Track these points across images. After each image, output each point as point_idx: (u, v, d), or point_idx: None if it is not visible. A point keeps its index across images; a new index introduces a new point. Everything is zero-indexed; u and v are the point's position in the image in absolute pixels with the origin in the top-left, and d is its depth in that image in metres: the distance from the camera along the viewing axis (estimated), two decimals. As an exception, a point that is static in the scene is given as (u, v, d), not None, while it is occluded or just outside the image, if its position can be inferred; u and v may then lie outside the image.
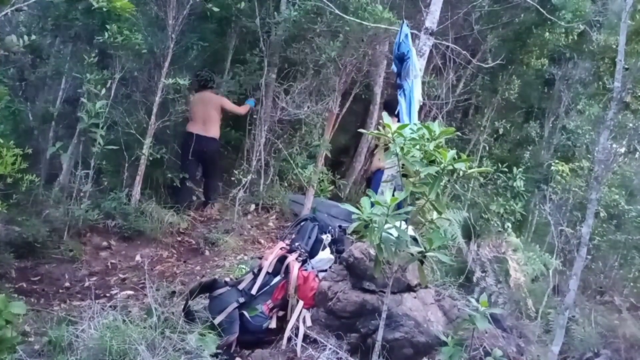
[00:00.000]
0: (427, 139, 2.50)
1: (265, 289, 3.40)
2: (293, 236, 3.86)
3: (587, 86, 7.94)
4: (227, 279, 3.63)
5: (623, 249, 6.30)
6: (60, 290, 4.05)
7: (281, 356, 3.02)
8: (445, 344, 2.63)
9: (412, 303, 3.12)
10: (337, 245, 3.84)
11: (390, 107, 4.94)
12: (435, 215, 2.58)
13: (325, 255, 3.64)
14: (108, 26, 5.03)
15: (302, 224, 3.94)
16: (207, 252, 5.17)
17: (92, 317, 2.91)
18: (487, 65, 6.67)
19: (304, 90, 6.29)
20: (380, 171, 5.18)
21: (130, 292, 4.12)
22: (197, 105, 6.08)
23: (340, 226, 4.05)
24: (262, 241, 5.54)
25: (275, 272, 3.49)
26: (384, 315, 2.67)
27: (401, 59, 4.43)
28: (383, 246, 2.50)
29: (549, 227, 5.61)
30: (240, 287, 3.42)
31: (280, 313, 3.36)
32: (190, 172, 6.07)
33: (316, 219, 4.03)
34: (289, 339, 3.13)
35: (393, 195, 2.46)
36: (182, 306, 3.32)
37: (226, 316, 3.22)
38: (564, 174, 6.27)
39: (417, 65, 4.51)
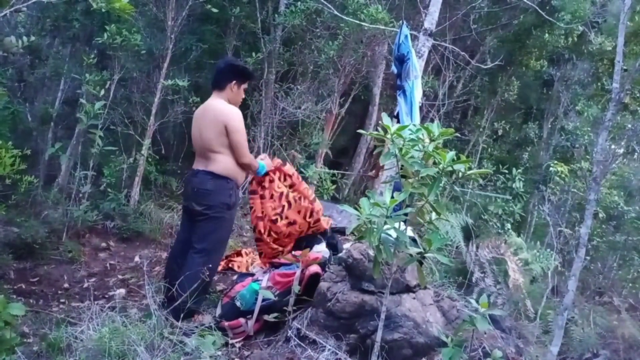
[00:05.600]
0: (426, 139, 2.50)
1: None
2: None
3: (585, 87, 7.96)
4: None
5: (622, 249, 6.31)
6: (59, 292, 4.04)
7: (280, 357, 3.02)
8: (444, 344, 2.63)
9: (411, 304, 3.12)
10: (329, 240, 3.96)
11: None
12: (434, 216, 2.58)
13: (321, 248, 3.71)
14: (107, 27, 5.04)
15: None
16: (206, 253, 5.16)
17: (91, 318, 2.91)
18: (486, 67, 6.68)
19: (303, 92, 6.30)
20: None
21: (130, 293, 4.12)
22: None
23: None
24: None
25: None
26: (382, 316, 2.67)
27: (401, 60, 4.42)
28: (382, 247, 2.50)
29: (548, 228, 5.62)
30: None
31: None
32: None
33: None
34: (288, 340, 3.14)
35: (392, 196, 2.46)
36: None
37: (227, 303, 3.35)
38: (563, 175, 6.28)
39: (417, 66, 4.52)
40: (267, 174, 3.71)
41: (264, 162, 3.64)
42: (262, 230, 3.69)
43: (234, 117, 3.36)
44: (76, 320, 3.07)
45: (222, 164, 3.37)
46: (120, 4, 2.94)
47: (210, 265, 3.34)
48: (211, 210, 3.36)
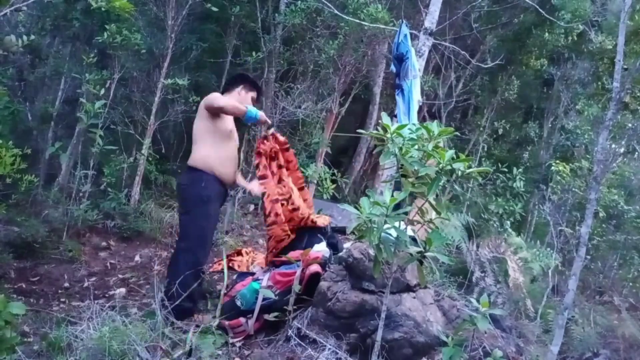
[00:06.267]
0: (426, 139, 2.50)
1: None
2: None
3: (586, 86, 7.95)
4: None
5: (622, 249, 6.30)
6: (60, 291, 4.04)
7: (280, 356, 3.02)
8: (444, 344, 2.63)
9: (411, 303, 3.12)
10: (329, 240, 3.94)
11: None
12: (434, 215, 2.58)
13: (321, 248, 3.70)
14: (107, 26, 5.04)
15: None
16: (206, 253, 5.16)
17: (91, 318, 2.91)
18: (486, 66, 6.68)
19: (304, 91, 6.29)
20: None
21: (130, 292, 4.12)
22: None
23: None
24: (261, 241, 5.54)
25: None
26: (383, 315, 2.67)
27: (400, 59, 4.42)
28: (382, 246, 2.50)
29: (548, 227, 5.61)
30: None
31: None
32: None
33: None
34: (288, 339, 3.14)
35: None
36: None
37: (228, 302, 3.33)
38: (564, 174, 6.27)
39: (416, 65, 4.51)
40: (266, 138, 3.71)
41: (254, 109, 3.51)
42: (279, 212, 3.63)
43: (212, 94, 3.45)
44: (76, 320, 3.07)
45: (197, 154, 3.39)
46: (120, 3, 2.94)
47: (194, 263, 3.32)
48: (184, 203, 3.38)
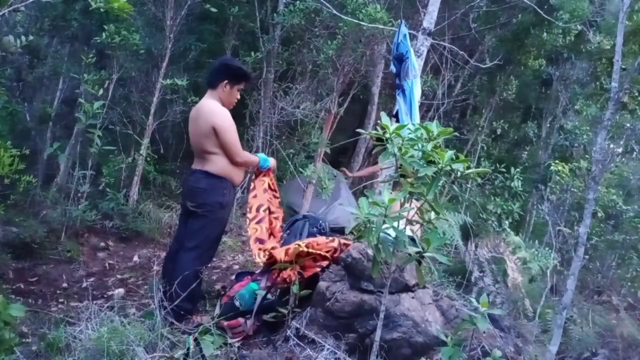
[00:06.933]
0: (425, 139, 2.50)
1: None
2: (285, 236, 3.88)
3: (584, 86, 7.97)
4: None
5: (620, 248, 6.32)
6: (58, 291, 4.04)
7: (279, 356, 3.02)
8: (443, 343, 2.63)
9: (410, 303, 3.12)
10: None
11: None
12: (433, 215, 2.58)
13: None
14: (106, 27, 5.04)
15: (294, 224, 4.00)
16: (205, 253, 5.15)
17: (89, 318, 2.90)
18: (484, 66, 6.68)
19: (302, 91, 6.29)
20: None
21: (128, 293, 4.12)
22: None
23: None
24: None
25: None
26: (381, 315, 2.67)
27: (400, 59, 4.43)
28: (381, 246, 2.50)
29: (547, 227, 5.63)
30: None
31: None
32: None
33: (306, 216, 4.13)
34: (287, 339, 3.14)
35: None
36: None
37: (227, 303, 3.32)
38: (563, 174, 6.28)
39: (416, 65, 4.52)
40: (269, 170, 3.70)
41: (264, 155, 3.62)
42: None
43: (222, 117, 3.33)
44: (75, 320, 3.07)
45: (218, 164, 3.38)
46: (118, 4, 2.94)
47: (201, 264, 3.34)
48: (203, 208, 3.38)
